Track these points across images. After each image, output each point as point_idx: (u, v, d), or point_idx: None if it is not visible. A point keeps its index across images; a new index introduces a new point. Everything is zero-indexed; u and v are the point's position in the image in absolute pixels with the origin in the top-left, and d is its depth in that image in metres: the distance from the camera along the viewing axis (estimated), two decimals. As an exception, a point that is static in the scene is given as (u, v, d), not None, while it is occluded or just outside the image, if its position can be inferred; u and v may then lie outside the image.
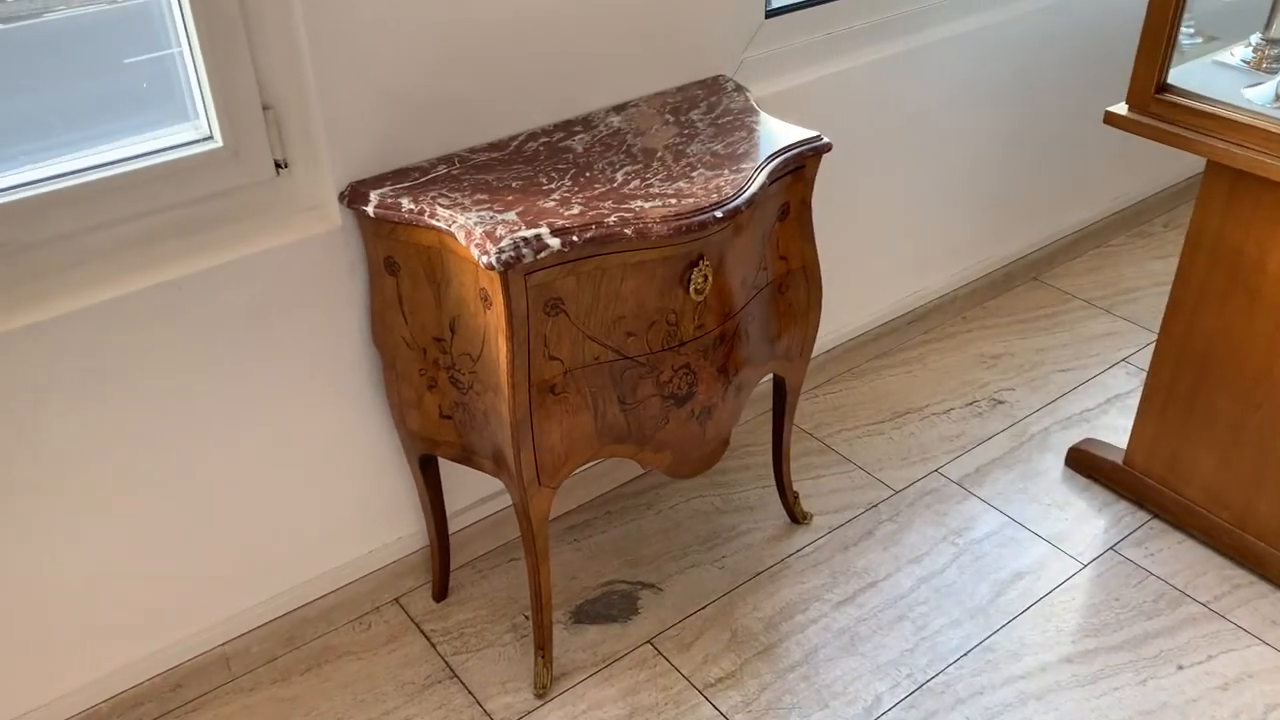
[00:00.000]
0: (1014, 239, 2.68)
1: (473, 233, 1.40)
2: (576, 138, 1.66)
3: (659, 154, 1.59)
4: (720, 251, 1.52)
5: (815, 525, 2.05)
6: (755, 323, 1.68)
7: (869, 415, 2.33)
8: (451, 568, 1.94)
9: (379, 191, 1.51)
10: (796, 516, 2.05)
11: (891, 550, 1.99)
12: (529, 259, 1.37)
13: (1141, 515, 2.04)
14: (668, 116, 1.72)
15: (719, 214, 1.44)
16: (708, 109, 1.73)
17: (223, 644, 1.75)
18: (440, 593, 1.91)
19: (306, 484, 1.72)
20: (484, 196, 1.49)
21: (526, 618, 1.88)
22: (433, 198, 1.48)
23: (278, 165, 1.51)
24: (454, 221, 1.43)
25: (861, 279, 2.38)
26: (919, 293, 2.53)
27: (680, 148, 1.61)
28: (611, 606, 1.89)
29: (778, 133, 1.64)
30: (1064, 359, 2.48)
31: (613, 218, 1.42)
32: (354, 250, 1.58)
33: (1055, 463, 2.18)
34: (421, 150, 1.59)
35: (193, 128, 1.46)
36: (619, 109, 1.74)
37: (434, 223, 1.44)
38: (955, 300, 2.61)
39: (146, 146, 1.42)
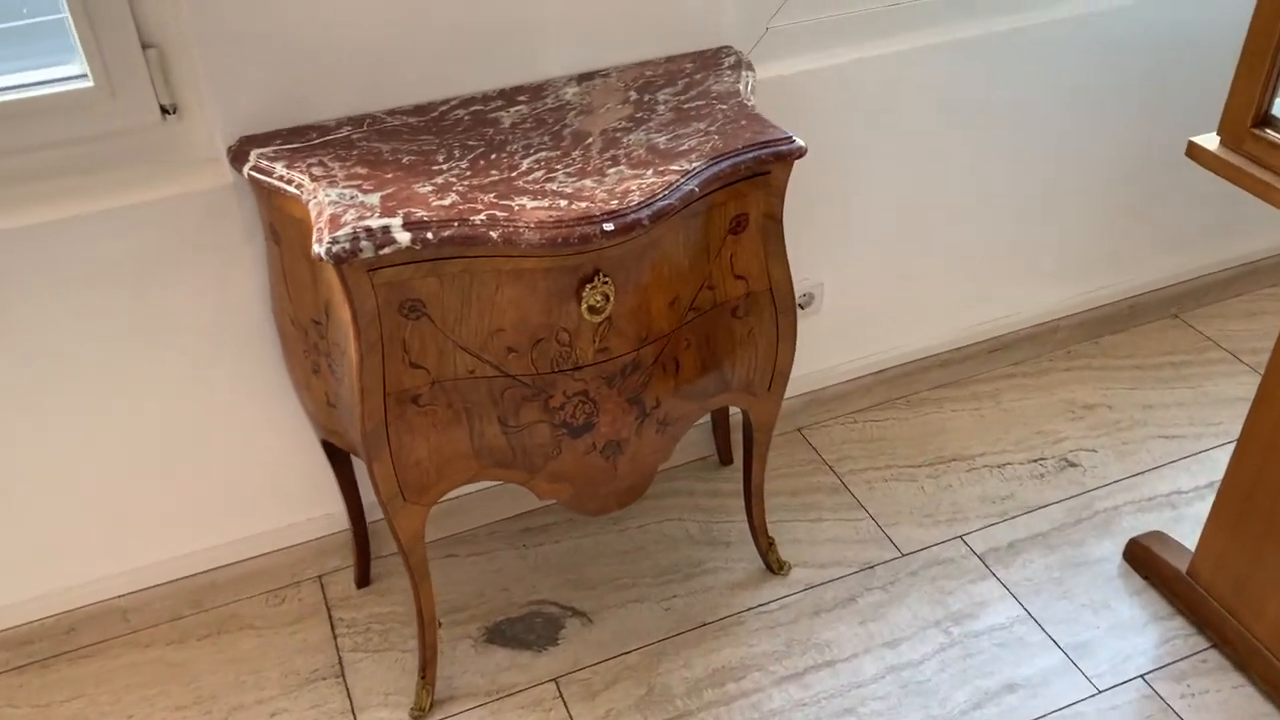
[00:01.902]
0: (1149, 265, 2.23)
1: (322, 213, 1.21)
2: (514, 109, 1.43)
3: (590, 140, 1.34)
4: (628, 266, 1.27)
5: (792, 578, 1.77)
6: (695, 350, 1.42)
7: (907, 455, 2.00)
8: (376, 555, 1.81)
9: (262, 150, 1.34)
10: (771, 565, 1.78)
11: (869, 625, 1.69)
12: (368, 254, 1.17)
13: (1198, 641, 1.64)
14: (632, 93, 1.45)
15: (609, 227, 1.19)
16: (685, 88, 1.46)
17: (121, 595, 1.69)
18: (362, 579, 1.78)
19: (208, 448, 1.61)
20: (364, 170, 1.29)
21: (441, 624, 1.72)
22: (310, 165, 1.30)
23: (164, 110, 1.37)
24: (314, 196, 1.25)
25: (929, 292, 2.03)
26: (1010, 316, 2.15)
27: (619, 135, 1.35)
28: (531, 630, 1.71)
29: (747, 127, 1.35)
30: (1174, 422, 2.04)
31: (482, 215, 1.20)
32: (250, 211, 1.43)
33: (1113, 553, 1.80)
34: (332, 107, 1.40)
35: (77, 65, 1.34)
36: (585, 78, 1.49)
37: (298, 194, 1.27)
38: (1058, 331, 2.20)
39: (19, 80, 1.31)
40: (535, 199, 1.23)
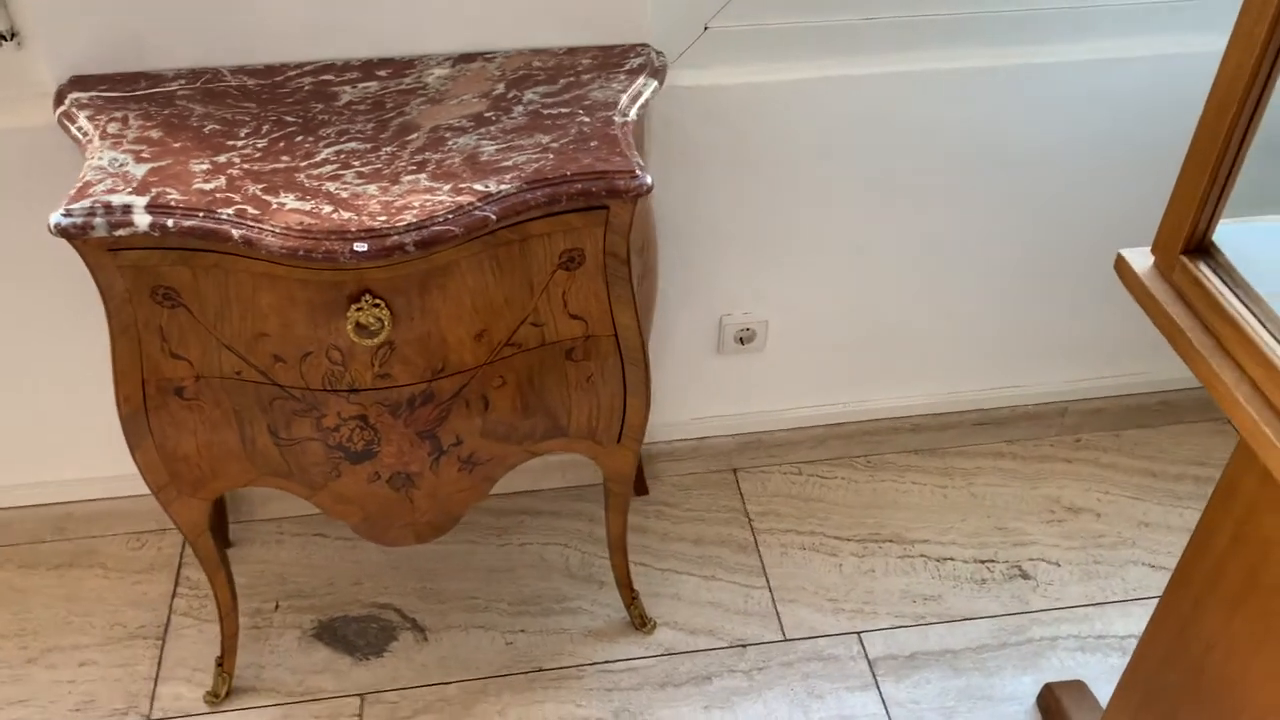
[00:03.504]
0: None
1: (82, 178, 1.10)
2: (363, 85, 1.27)
3: (413, 136, 1.18)
4: (407, 290, 1.11)
5: (655, 639, 1.60)
6: (512, 389, 1.25)
7: (839, 524, 1.77)
8: (237, 519, 1.73)
9: (79, 95, 1.24)
10: (634, 620, 1.61)
11: (714, 713, 1.51)
12: (100, 232, 1.06)
13: (1084, 825, 1.39)
14: (499, 86, 1.27)
15: (360, 247, 1.04)
16: (563, 88, 1.27)
17: (-15, 510, 1.69)
18: (223, 541, 1.71)
19: (79, 382, 1.56)
20: (157, 135, 1.17)
21: (277, 606, 1.64)
22: (112, 119, 1.20)
23: (2, 36, 1.28)
24: (94, 156, 1.14)
25: (906, 347, 1.78)
26: (1007, 389, 1.87)
27: (448, 135, 1.18)
28: (363, 635, 1.60)
29: (594, 150, 1.15)
30: (1167, 550, 1.74)
31: (231, 210, 1.06)
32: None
33: (1029, 692, 1.54)
34: (175, 55, 1.28)
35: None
36: (464, 60, 1.32)
37: (84, 152, 1.16)
38: (1066, 414, 1.90)
39: None
40: (302, 198, 1.08)
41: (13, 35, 1.28)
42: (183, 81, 1.27)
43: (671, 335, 1.68)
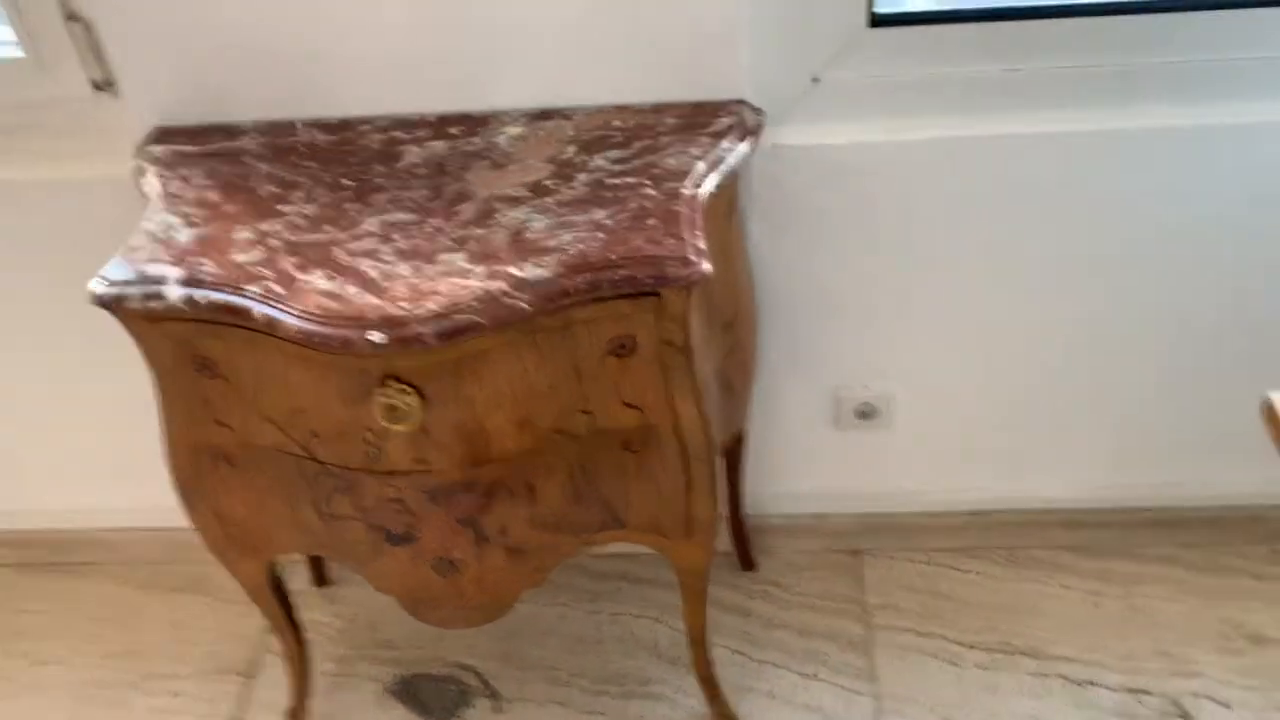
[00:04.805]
0: None
1: (130, 243, 1.09)
2: (431, 144, 1.20)
3: (464, 206, 1.10)
4: (439, 377, 1.03)
5: (738, 739, 1.47)
6: (562, 478, 1.15)
7: (967, 627, 1.57)
8: (335, 561, 1.73)
9: (156, 148, 1.23)
10: (714, 717, 1.48)
11: (791, 837, 1.36)
12: (135, 304, 1.04)
13: None
14: (569, 149, 1.17)
15: (376, 338, 0.96)
16: (636, 153, 1.15)
17: (113, 529, 1.75)
18: (317, 577, 1.71)
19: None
20: (214, 196, 1.15)
21: (364, 656, 1.61)
22: (178, 176, 1.18)
23: (97, 85, 1.29)
24: (149, 218, 1.13)
25: (1059, 431, 1.55)
26: (1187, 487, 1.60)
27: (501, 207, 1.09)
28: (440, 698, 1.55)
29: (652, 230, 1.03)
30: (1377, 703, 1.44)
31: (258, 287, 1.02)
32: (177, 203, 1.34)
33: None
34: (253, 107, 1.26)
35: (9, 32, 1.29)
36: (541, 117, 1.22)
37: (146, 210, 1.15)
38: (1263, 521, 1.62)
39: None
40: (331, 277, 1.02)
41: (108, 84, 1.29)
42: (255, 135, 1.24)
43: (781, 406, 1.53)
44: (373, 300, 0.99)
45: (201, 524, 1.23)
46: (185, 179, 1.18)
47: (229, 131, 1.25)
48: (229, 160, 1.20)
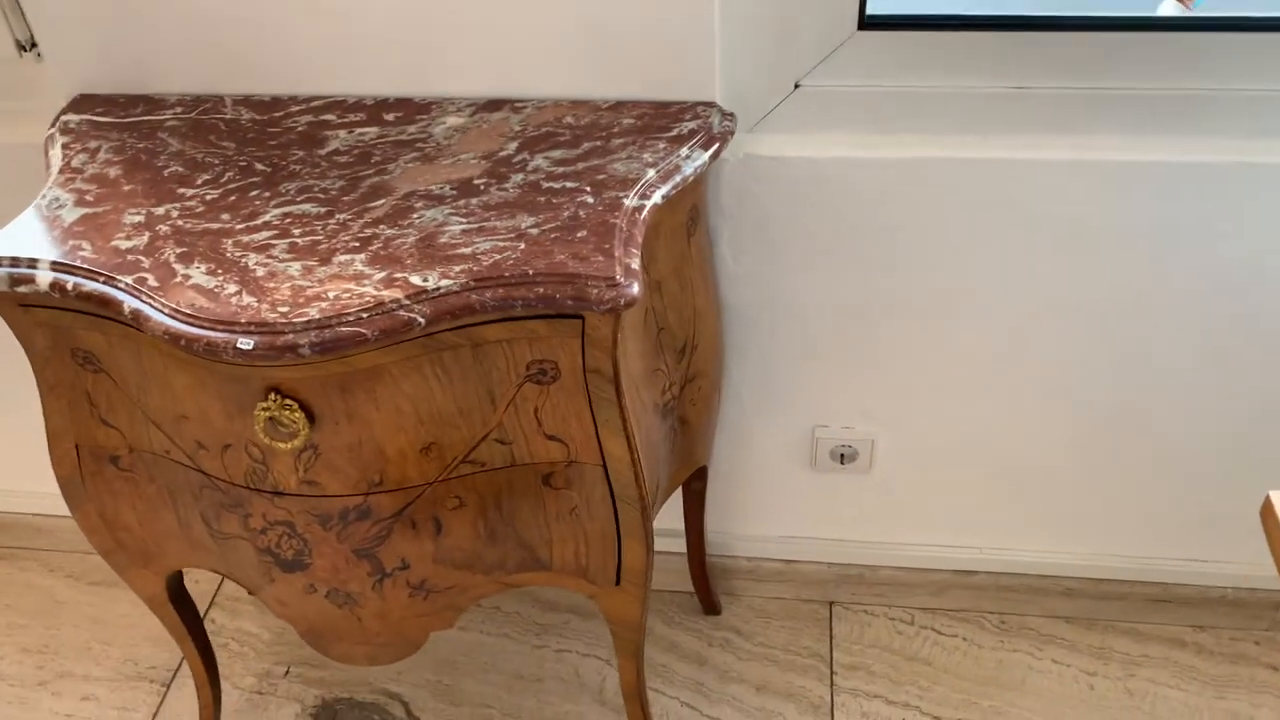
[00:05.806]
0: None
1: (20, 219, 0.98)
2: (361, 130, 1.08)
3: (379, 202, 0.98)
4: (327, 392, 0.92)
5: (676, 804, 1.34)
6: (472, 512, 1.03)
7: (942, 698, 1.43)
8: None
9: (72, 117, 1.13)
10: (654, 776, 1.35)
11: None
12: (3, 286, 0.93)
13: None
14: (510, 145, 1.04)
15: (245, 344, 0.85)
16: (583, 154, 1.02)
17: (48, 515, 1.66)
18: (255, 586, 1.60)
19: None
20: (116, 173, 1.04)
21: (288, 673, 1.50)
22: (86, 147, 1.08)
23: (21, 46, 1.19)
24: (42, 194, 1.02)
25: (1060, 494, 1.40)
26: (1212, 564, 1.44)
27: (419, 206, 0.97)
28: (360, 727, 1.44)
29: (581, 243, 0.91)
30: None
31: (131, 278, 0.91)
32: (102, 176, 1.24)
33: None
34: (181, 79, 1.15)
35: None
36: (489, 107, 1.10)
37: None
38: (1287, 607, 1.46)
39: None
40: (213, 272, 0.91)
41: (32, 45, 1.19)
42: (179, 109, 1.13)
43: (752, 442, 1.40)
44: (250, 301, 0.87)
45: (87, 526, 1.13)
46: (91, 152, 1.07)
47: (153, 103, 1.15)
48: (143, 134, 1.10)
